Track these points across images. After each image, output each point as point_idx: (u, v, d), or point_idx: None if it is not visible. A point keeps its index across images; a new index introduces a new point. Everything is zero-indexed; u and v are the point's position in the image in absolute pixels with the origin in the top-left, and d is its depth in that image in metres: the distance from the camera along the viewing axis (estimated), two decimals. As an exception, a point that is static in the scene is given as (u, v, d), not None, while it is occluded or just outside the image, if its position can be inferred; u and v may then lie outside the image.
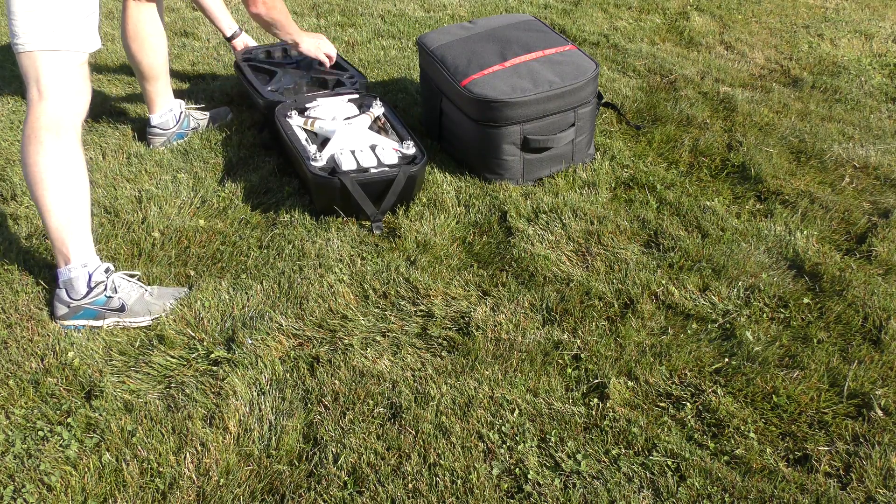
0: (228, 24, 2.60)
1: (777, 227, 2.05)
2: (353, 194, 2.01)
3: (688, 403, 1.55)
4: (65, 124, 1.65)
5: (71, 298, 1.71)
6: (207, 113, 2.56)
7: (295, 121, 2.31)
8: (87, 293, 1.71)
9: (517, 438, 1.47)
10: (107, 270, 1.74)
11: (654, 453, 1.44)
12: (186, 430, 1.48)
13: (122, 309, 1.74)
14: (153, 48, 2.30)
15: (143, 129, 2.45)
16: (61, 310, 1.73)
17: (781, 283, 1.86)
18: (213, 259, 1.96)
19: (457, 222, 2.08)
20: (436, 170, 2.30)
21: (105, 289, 1.72)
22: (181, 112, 2.46)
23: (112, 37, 3.31)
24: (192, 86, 2.88)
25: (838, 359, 1.64)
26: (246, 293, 1.82)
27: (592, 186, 2.23)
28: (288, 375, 1.61)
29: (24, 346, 1.68)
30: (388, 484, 1.38)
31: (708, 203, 2.15)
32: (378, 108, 2.37)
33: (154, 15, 2.27)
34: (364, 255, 1.97)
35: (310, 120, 2.30)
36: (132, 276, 1.81)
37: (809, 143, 2.45)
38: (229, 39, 2.64)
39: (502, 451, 1.45)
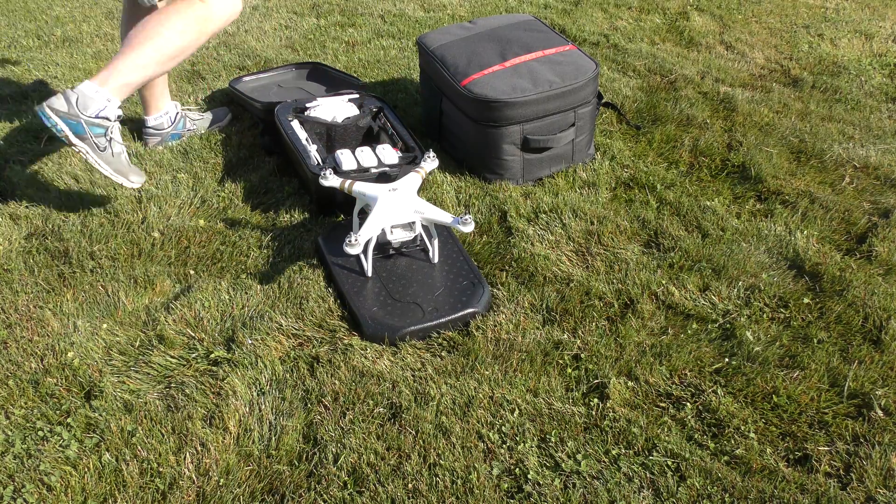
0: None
1: (777, 227, 2.05)
2: (353, 194, 2.01)
3: (688, 403, 1.55)
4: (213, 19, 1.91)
5: (78, 109, 1.79)
6: (204, 114, 2.56)
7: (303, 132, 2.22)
8: (93, 116, 1.81)
9: (517, 438, 1.47)
10: (118, 117, 1.86)
11: (654, 453, 1.44)
12: (186, 430, 1.48)
13: (102, 150, 1.84)
14: None
15: (141, 128, 2.45)
16: (60, 105, 1.79)
17: (781, 283, 1.86)
18: (213, 259, 1.96)
19: (457, 222, 2.08)
20: (436, 170, 2.30)
21: (106, 132, 1.84)
22: (177, 113, 2.45)
23: (112, 37, 3.31)
24: (192, 86, 2.88)
25: (838, 359, 1.64)
26: (246, 293, 1.82)
27: (592, 186, 2.23)
28: (288, 375, 1.61)
29: (24, 346, 1.68)
30: (388, 484, 1.38)
31: (708, 203, 2.15)
32: (431, 163, 2.00)
33: None
34: (364, 255, 1.97)
35: (347, 182, 1.92)
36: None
37: (809, 143, 2.45)
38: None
39: (502, 451, 1.45)
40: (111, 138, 1.84)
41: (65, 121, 1.79)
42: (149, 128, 2.42)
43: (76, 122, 1.79)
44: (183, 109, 2.51)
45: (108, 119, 1.83)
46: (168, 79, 2.42)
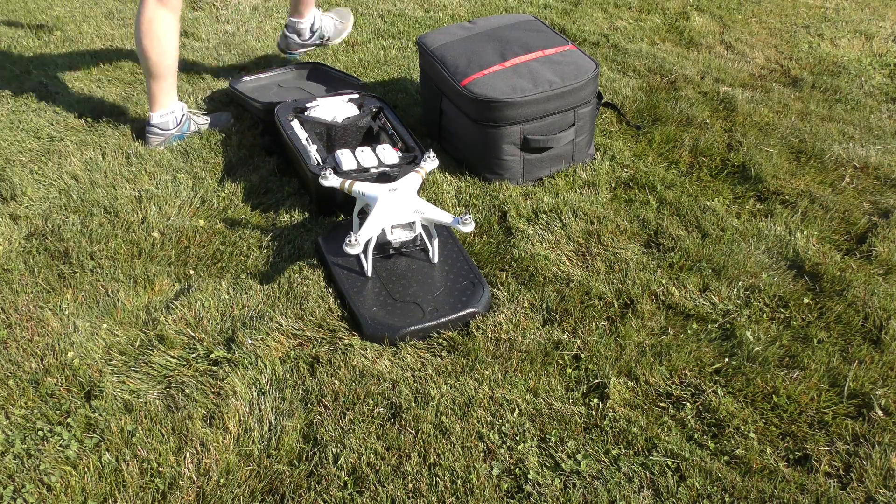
0: None
1: (777, 227, 2.05)
2: (353, 194, 2.01)
3: (688, 403, 1.55)
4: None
5: (303, 38, 2.68)
6: (209, 117, 2.56)
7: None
8: (314, 34, 2.72)
9: (517, 438, 1.47)
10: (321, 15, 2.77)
11: (654, 453, 1.44)
12: (186, 430, 1.48)
13: (329, 37, 2.79)
14: (163, 47, 2.31)
15: (143, 128, 2.45)
16: (294, 44, 2.70)
17: (781, 283, 1.86)
18: (213, 259, 1.96)
19: (457, 222, 2.08)
20: (436, 170, 2.30)
21: (322, 28, 2.73)
22: (182, 115, 2.45)
23: (112, 37, 3.31)
24: (191, 86, 2.88)
25: (838, 359, 1.64)
26: (246, 293, 1.82)
27: (592, 186, 2.23)
28: (288, 375, 1.61)
29: (24, 346, 1.68)
30: (388, 484, 1.38)
31: (708, 203, 2.15)
32: (431, 163, 2.00)
33: (170, 17, 2.29)
34: (364, 255, 1.96)
35: (347, 182, 1.92)
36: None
37: (809, 143, 2.45)
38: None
39: (502, 451, 1.45)
40: (322, 26, 2.74)
41: (307, 49, 2.78)
42: (152, 125, 2.41)
43: (312, 43, 2.76)
44: (189, 111, 2.51)
45: (319, 26, 2.72)
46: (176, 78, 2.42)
